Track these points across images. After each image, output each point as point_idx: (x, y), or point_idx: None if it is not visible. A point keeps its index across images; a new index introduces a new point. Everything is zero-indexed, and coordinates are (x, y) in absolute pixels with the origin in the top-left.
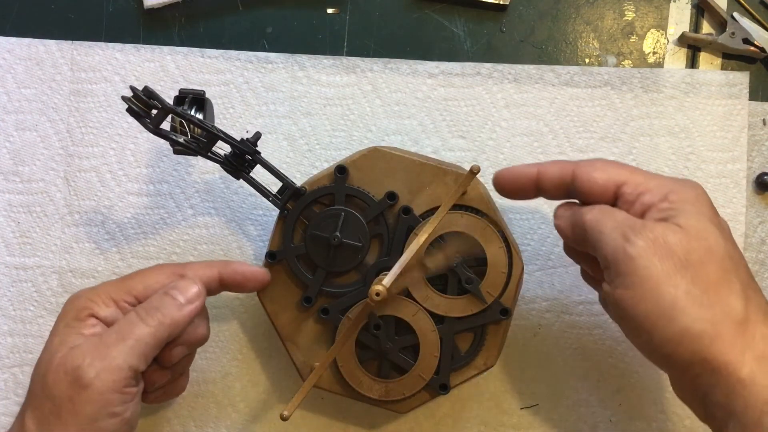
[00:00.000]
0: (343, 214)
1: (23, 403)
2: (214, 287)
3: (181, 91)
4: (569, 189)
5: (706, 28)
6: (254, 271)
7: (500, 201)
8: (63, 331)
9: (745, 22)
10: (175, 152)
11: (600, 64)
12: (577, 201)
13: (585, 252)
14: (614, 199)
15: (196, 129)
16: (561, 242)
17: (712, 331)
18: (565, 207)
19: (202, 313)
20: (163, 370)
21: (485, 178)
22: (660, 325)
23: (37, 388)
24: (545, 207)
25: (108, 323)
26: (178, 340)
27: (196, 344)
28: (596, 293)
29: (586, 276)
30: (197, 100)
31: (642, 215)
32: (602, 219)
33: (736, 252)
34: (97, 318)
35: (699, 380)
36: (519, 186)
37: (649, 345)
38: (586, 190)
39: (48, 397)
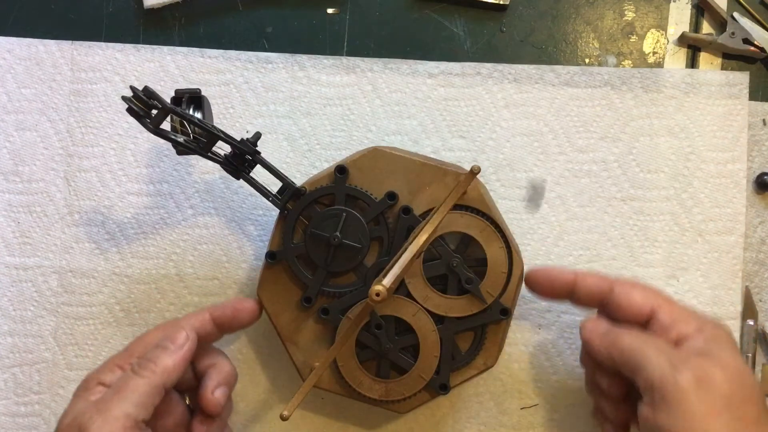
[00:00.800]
0: (344, 214)
1: None
2: (210, 330)
3: (176, 91)
4: (603, 302)
5: (706, 28)
6: (241, 301)
7: (500, 201)
8: (72, 402)
9: (745, 22)
10: (179, 153)
11: (600, 64)
12: (606, 320)
13: (609, 368)
14: (645, 321)
15: (196, 129)
16: (561, 242)
17: None
18: (596, 323)
19: (217, 353)
20: (210, 422)
21: (485, 178)
22: None
23: None
24: (545, 207)
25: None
26: (213, 382)
27: (231, 381)
28: None
29: (592, 388)
30: (194, 98)
31: (676, 343)
32: (645, 343)
33: (762, 390)
34: (103, 385)
35: None
36: (553, 290)
37: None
38: (624, 307)
39: None
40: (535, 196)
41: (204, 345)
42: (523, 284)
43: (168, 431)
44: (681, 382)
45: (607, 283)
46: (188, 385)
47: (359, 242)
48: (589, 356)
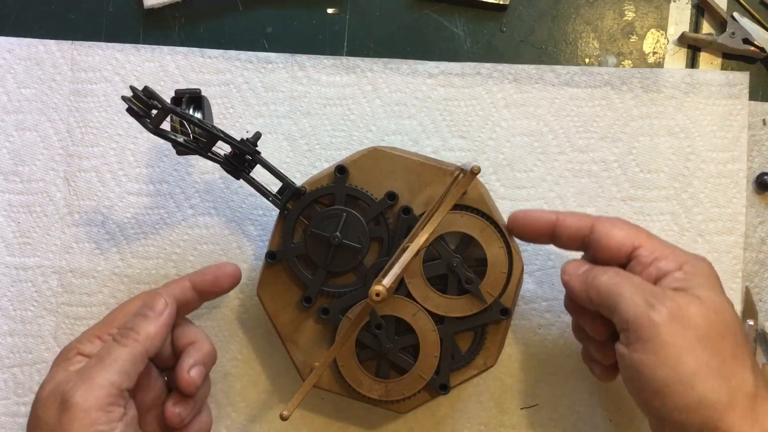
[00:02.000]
0: (344, 214)
1: None
2: (190, 297)
3: (176, 92)
4: (584, 242)
5: (706, 28)
6: (221, 266)
7: (500, 201)
8: (52, 372)
9: (745, 22)
10: (179, 153)
11: (600, 64)
12: (586, 262)
13: (589, 310)
14: (627, 259)
15: (196, 129)
16: None
17: (726, 402)
18: (575, 264)
19: (196, 331)
20: (186, 400)
21: (485, 178)
22: (677, 392)
23: (31, 423)
24: (545, 207)
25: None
26: (190, 360)
27: (209, 360)
28: None
29: (578, 331)
30: (194, 99)
31: (655, 280)
32: (621, 282)
33: (742, 326)
34: (82, 355)
35: None
36: (534, 230)
37: (661, 410)
38: (603, 246)
39: (40, 427)
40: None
41: (184, 321)
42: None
43: (146, 407)
44: (654, 317)
45: (587, 222)
46: (167, 362)
47: (359, 242)
48: (571, 300)
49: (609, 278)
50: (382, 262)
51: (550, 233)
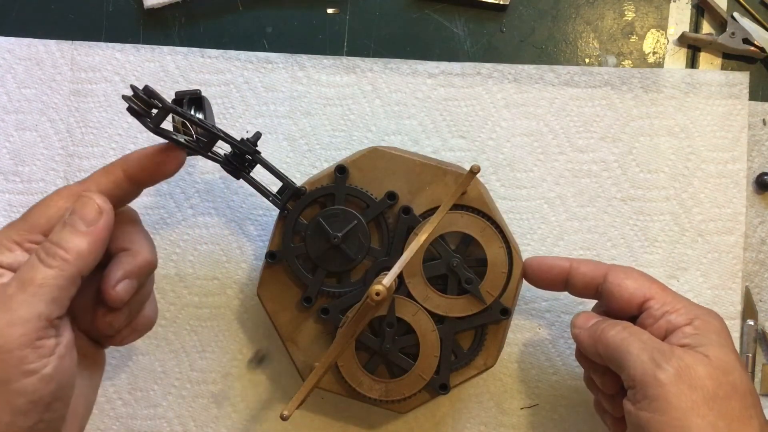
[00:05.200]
0: (355, 221)
1: None
2: (127, 189)
3: (177, 93)
4: (597, 290)
5: (706, 28)
6: (161, 149)
7: (500, 201)
8: None
9: (745, 22)
10: None
11: (600, 64)
12: (596, 314)
13: (599, 363)
14: (639, 310)
15: (197, 129)
16: (561, 242)
17: None
18: (585, 317)
19: (135, 233)
20: (116, 312)
21: (485, 178)
22: None
23: None
24: (545, 207)
25: (14, 270)
26: (117, 273)
27: (142, 273)
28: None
29: (590, 383)
30: (195, 100)
31: (665, 333)
32: (628, 338)
33: (753, 387)
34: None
35: None
36: (548, 278)
37: None
38: (615, 296)
39: None
40: None
41: (119, 217)
42: (523, 281)
43: (84, 307)
44: (661, 377)
45: (601, 271)
46: (102, 261)
47: (359, 243)
48: (581, 353)
49: (617, 333)
50: (382, 262)
51: (564, 281)
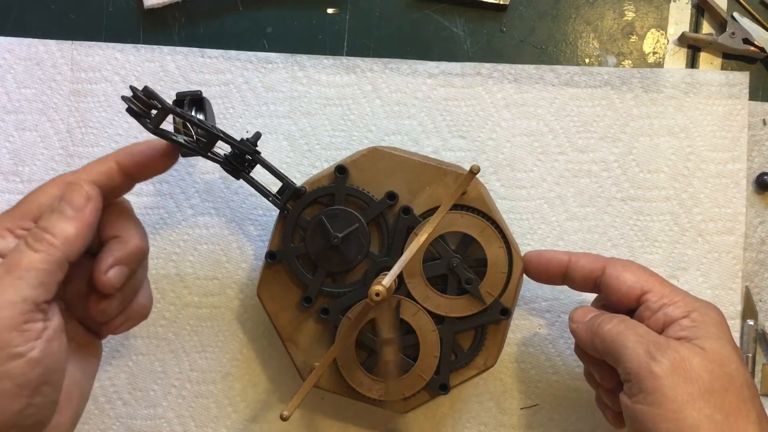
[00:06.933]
0: (356, 224)
1: None
2: (119, 181)
3: (178, 94)
4: (597, 284)
5: (706, 28)
6: (152, 143)
7: (500, 201)
8: None
9: (745, 22)
10: (183, 154)
11: (600, 64)
12: (594, 309)
13: (597, 358)
14: (636, 303)
15: (197, 129)
16: (561, 242)
17: None
18: (582, 312)
19: (125, 220)
20: (109, 298)
21: (485, 178)
22: None
23: None
24: (545, 207)
25: (4, 257)
26: (108, 260)
27: (134, 259)
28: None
29: (590, 378)
30: (196, 100)
31: (663, 326)
32: (624, 331)
33: (751, 379)
34: None
35: None
36: (548, 271)
37: None
38: (613, 289)
39: None
40: None
41: (113, 206)
42: (524, 280)
43: (79, 296)
44: (656, 370)
45: (599, 264)
46: (94, 248)
47: (359, 243)
48: (579, 348)
49: (613, 327)
50: (382, 262)
51: (562, 274)
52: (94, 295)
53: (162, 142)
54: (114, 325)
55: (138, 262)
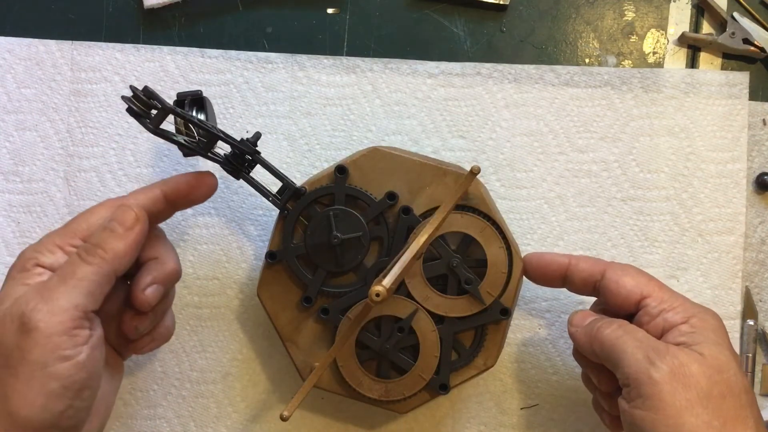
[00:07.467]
0: (332, 212)
1: None
2: (162, 208)
3: (178, 95)
4: (596, 287)
5: (706, 28)
6: (196, 175)
7: (500, 201)
8: (8, 285)
9: (745, 22)
10: (185, 155)
11: (600, 64)
12: (593, 313)
13: (596, 362)
14: (636, 308)
15: (198, 129)
16: (561, 242)
17: None
18: (581, 315)
19: (163, 245)
20: (142, 316)
21: (485, 178)
22: None
23: None
24: (545, 207)
25: (54, 270)
26: (147, 278)
27: (169, 280)
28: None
29: (587, 381)
30: (196, 100)
31: (662, 331)
32: (623, 336)
33: (749, 385)
34: (42, 267)
35: None
36: (547, 274)
37: None
38: (613, 293)
39: None
40: None
41: (152, 231)
42: (523, 280)
43: (108, 316)
44: (655, 375)
45: (599, 268)
46: (130, 271)
47: (357, 250)
48: (578, 351)
49: (612, 331)
50: (382, 262)
51: (562, 277)
52: (129, 312)
53: (204, 173)
54: (141, 344)
55: (172, 283)
